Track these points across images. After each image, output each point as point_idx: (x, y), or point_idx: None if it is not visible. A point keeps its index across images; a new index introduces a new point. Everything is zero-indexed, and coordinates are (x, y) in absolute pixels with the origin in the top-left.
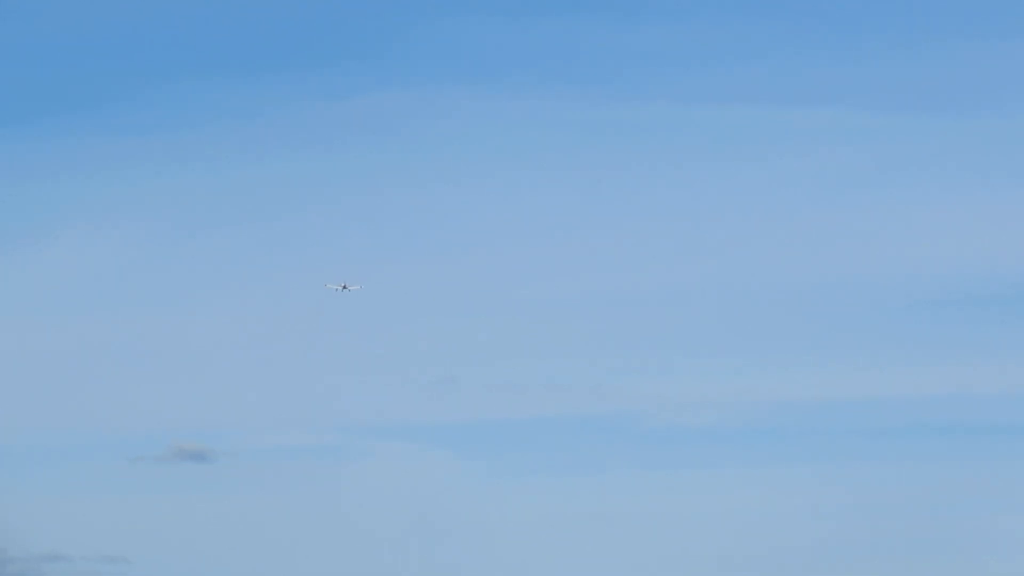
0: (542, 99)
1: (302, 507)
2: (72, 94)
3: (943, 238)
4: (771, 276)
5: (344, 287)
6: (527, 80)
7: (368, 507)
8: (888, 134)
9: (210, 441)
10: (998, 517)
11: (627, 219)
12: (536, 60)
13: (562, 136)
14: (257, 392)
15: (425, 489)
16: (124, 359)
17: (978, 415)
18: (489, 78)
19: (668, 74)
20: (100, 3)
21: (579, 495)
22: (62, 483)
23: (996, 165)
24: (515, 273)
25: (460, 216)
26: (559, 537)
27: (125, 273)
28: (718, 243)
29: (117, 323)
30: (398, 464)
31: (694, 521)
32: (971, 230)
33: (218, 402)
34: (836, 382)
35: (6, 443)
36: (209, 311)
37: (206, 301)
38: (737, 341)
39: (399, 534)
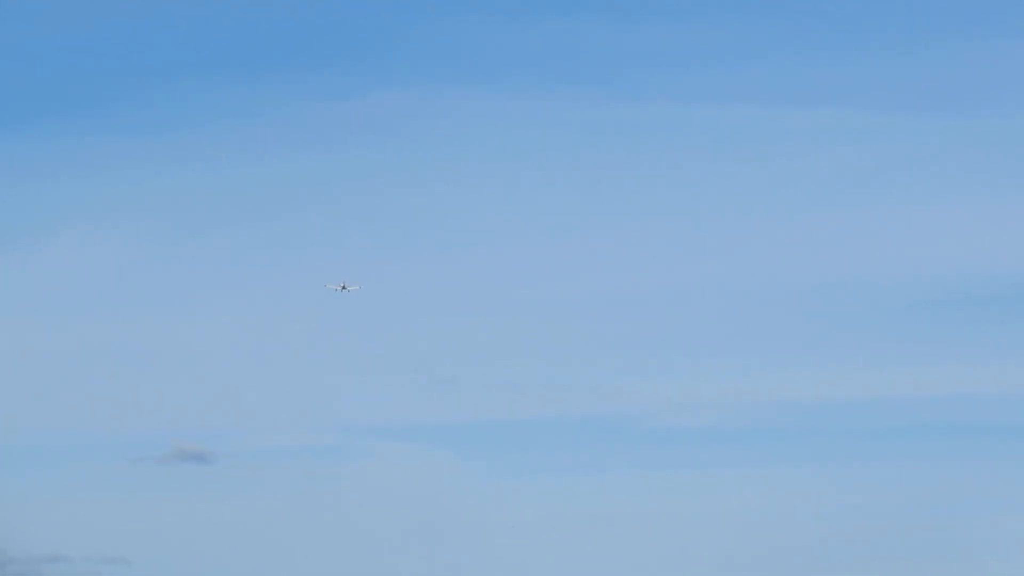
0: (542, 99)
1: (303, 508)
2: (72, 94)
3: (943, 238)
4: (771, 276)
5: (344, 287)
6: (527, 80)
7: (368, 507)
8: (888, 134)
9: (211, 442)
10: (998, 517)
11: (627, 219)
12: (536, 60)
13: (562, 136)
14: (257, 392)
15: (425, 489)
16: (124, 359)
17: (978, 415)
18: (489, 78)
19: (668, 74)
20: (100, 3)
21: (579, 495)
22: (62, 483)
23: (996, 165)
24: (515, 273)
25: (460, 216)
26: (559, 537)
27: (125, 273)
28: (718, 243)
29: (117, 323)
30: (398, 464)
31: (694, 521)
32: (971, 230)
33: (218, 403)
34: (836, 382)
35: (6, 443)
36: (209, 311)
37: (206, 301)
38: (737, 341)
39: (399, 534)
